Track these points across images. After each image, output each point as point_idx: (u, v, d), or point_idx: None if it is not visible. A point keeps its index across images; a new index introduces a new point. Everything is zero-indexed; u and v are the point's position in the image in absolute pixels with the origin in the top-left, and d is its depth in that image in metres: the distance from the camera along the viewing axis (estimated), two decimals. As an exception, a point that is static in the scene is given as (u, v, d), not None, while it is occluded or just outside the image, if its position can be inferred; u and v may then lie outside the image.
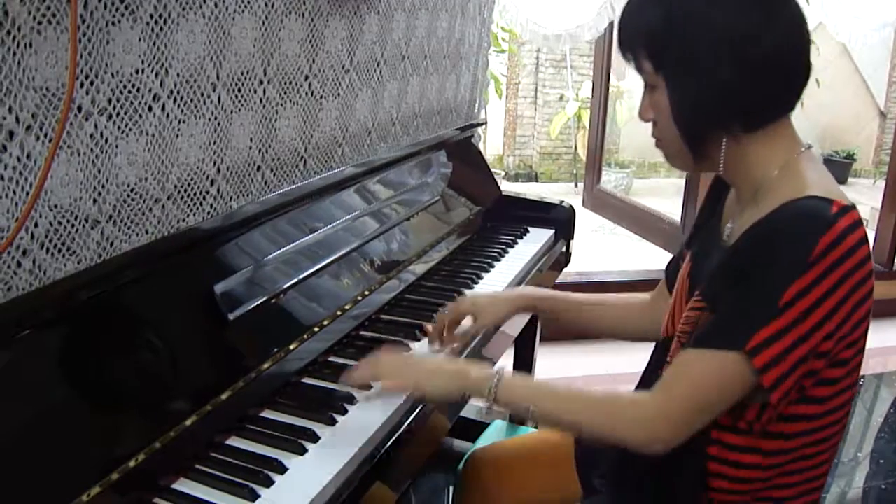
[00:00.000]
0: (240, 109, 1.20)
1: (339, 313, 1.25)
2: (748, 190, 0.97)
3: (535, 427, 1.69)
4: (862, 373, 1.04)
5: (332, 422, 1.02)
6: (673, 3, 0.91)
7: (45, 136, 0.86)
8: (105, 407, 0.90)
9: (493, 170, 2.24)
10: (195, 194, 1.14)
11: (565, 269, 2.01)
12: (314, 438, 0.98)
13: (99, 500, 0.81)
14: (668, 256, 1.25)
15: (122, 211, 1.01)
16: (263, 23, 1.20)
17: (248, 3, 1.16)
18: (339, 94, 1.47)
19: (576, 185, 7.57)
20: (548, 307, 1.32)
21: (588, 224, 4.87)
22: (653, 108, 0.97)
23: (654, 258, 3.98)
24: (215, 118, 1.15)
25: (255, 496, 0.88)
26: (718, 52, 0.89)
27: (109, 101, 0.95)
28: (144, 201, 1.05)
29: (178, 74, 1.05)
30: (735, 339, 0.87)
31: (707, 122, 0.94)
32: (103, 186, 0.97)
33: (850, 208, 0.87)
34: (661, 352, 1.09)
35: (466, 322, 1.29)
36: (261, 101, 1.24)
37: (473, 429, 1.82)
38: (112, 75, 0.95)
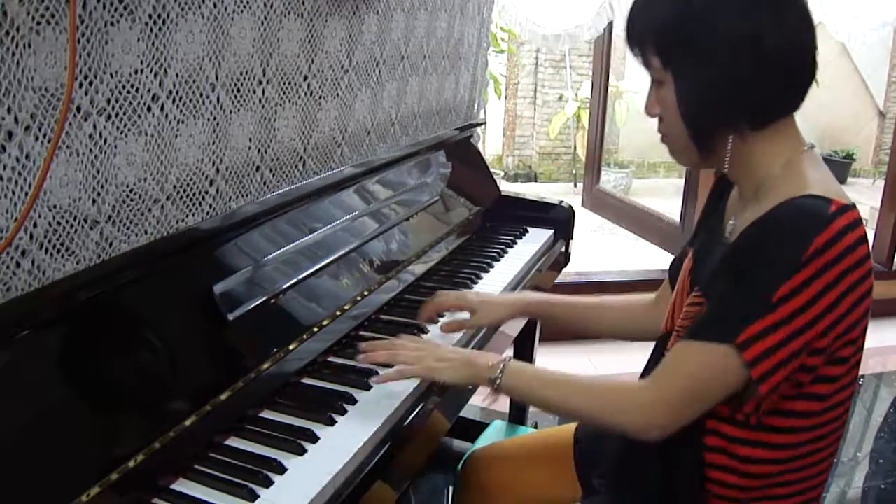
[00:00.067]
0: (239, 110, 1.19)
1: (338, 313, 1.25)
2: (751, 187, 0.98)
3: (535, 427, 1.69)
4: (861, 372, 1.05)
5: (332, 422, 1.02)
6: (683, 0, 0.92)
7: (44, 136, 0.86)
8: (104, 407, 0.90)
9: (492, 170, 2.24)
10: (194, 195, 1.14)
11: (564, 269, 2.01)
12: (313, 439, 0.98)
13: (98, 500, 0.81)
14: (667, 256, 1.25)
15: (121, 211, 1.01)
16: (262, 23, 1.20)
17: (247, 3, 1.16)
18: (338, 95, 1.47)
19: (575, 186, 7.57)
20: (546, 312, 1.33)
21: (587, 224, 4.87)
22: (659, 103, 0.98)
23: (653, 258, 3.99)
24: (214, 118, 1.14)
25: (255, 496, 0.88)
26: (727, 49, 0.89)
27: (108, 101, 0.95)
28: (143, 202, 1.05)
29: (176, 75, 1.05)
30: (727, 332, 0.88)
31: (714, 119, 0.94)
32: (102, 187, 0.97)
33: (850, 207, 0.87)
34: (661, 346, 1.10)
35: (462, 315, 1.32)
36: (260, 101, 1.24)
37: (473, 429, 1.83)
38: (111, 76, 0.95)
